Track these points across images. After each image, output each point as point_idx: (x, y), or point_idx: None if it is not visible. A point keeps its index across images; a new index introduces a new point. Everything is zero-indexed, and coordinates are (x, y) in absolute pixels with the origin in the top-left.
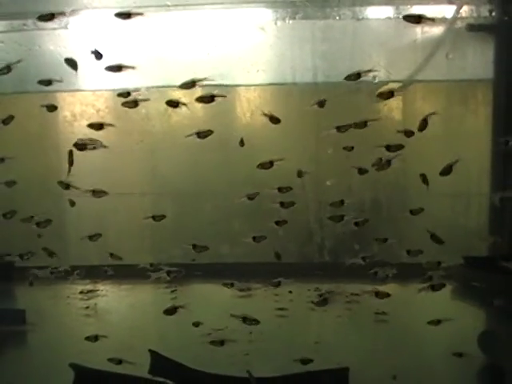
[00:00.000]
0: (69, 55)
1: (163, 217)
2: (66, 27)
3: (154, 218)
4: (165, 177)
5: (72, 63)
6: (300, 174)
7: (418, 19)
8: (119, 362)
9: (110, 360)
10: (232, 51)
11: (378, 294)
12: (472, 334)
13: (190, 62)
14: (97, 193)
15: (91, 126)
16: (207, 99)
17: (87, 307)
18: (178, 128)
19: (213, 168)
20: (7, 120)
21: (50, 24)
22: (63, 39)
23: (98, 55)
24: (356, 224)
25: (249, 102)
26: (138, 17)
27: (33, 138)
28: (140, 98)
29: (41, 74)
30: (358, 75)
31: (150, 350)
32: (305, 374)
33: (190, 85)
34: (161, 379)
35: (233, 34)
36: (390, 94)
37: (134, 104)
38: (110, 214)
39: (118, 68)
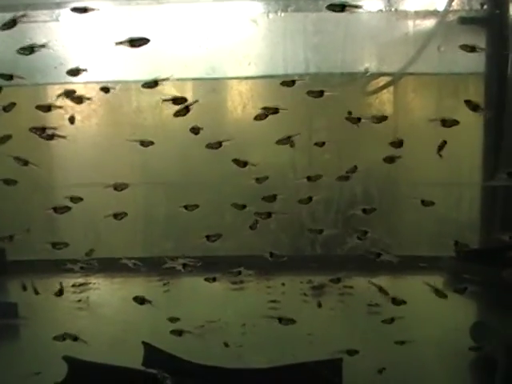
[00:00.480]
0: (60, 48)
1: (196, 206)
2: (57, 19)
3: (186, 207)
4: (156, 169)
5: None
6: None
7: (341, 8)
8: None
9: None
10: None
11: (394, 301)
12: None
13: (182, 55)
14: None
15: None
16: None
17: (79, 300)
18: (169, 121)
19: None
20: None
21: (41, 17)
22: (54, 32)
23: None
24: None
25: (241, 94)
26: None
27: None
28: None
29: (31, 67)
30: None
31: (143, 342)
32: (299, 365)
33: (152, 84)
34: (154, 371)
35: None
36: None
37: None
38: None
39: None
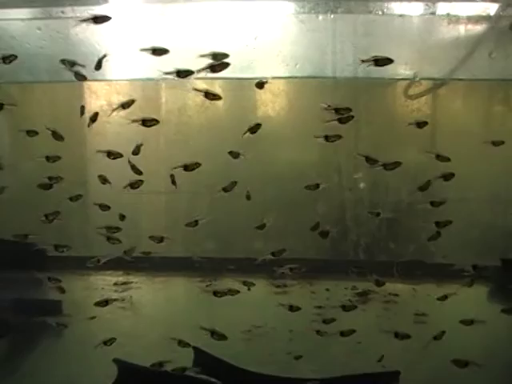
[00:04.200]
0: (104, 44)
1: None
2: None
3: None
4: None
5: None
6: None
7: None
8: None
9: None
10: (272, 44)
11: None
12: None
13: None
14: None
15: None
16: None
17: (123, 300)
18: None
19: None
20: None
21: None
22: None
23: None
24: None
25: (287, 94)
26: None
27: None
28: None
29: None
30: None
31: (193, 347)
32: (358, 376)
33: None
34: (204, 377)
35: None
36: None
37: None
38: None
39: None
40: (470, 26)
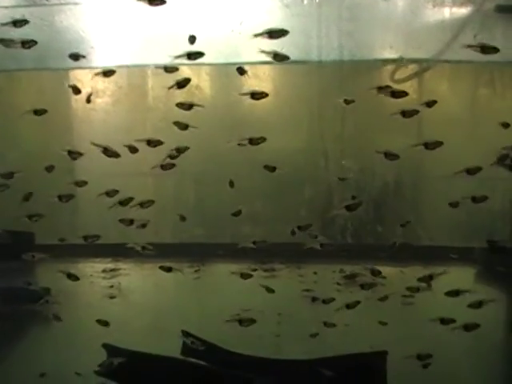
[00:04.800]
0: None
1: None
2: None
3: None
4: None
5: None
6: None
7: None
8: None
9: None
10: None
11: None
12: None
13: (212, 39)
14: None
15: None
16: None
17: (111, 286)
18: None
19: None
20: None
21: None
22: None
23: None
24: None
25: (273, 80)
26: None
27: None
28: None
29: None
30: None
31: (182, 331)
32: (343, 357)
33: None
34: (193, 360)
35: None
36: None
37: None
38: None
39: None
40: (455, 9)
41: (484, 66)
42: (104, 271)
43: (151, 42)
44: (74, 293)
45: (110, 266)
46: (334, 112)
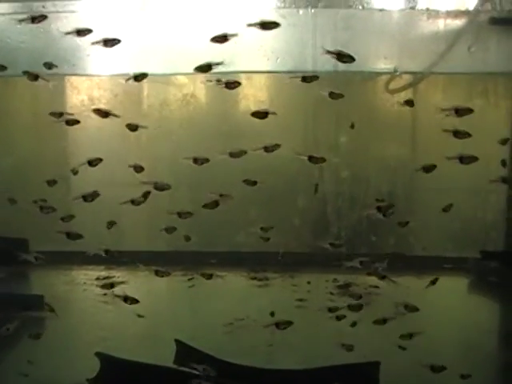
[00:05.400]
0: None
1: None
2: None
3: None
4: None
5: None
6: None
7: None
8: None
9: None
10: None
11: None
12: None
13: (209, 48)
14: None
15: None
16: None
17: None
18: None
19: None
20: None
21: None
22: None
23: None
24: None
25: (269, 89)
26: None
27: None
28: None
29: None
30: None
31: (175, 340)
32: (335, 368)
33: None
34: (186, 369)
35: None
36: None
37: None
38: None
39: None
40: (449, 21)
41: (479, 77)
42: (98, 279)
43: (147, 51)
44: (68, 300)
45: (104, 273)
46: (328, 122)
